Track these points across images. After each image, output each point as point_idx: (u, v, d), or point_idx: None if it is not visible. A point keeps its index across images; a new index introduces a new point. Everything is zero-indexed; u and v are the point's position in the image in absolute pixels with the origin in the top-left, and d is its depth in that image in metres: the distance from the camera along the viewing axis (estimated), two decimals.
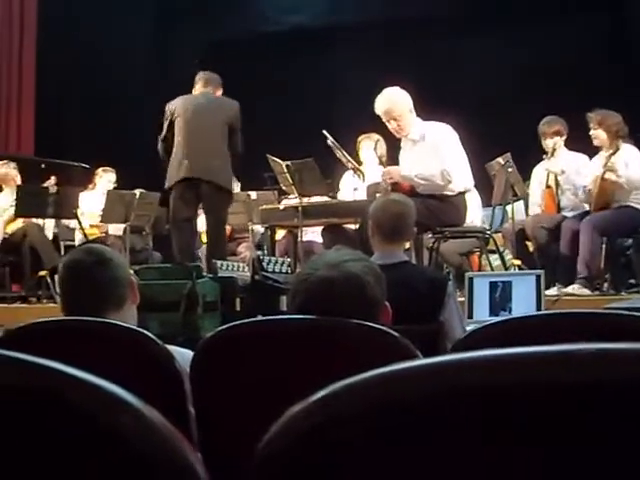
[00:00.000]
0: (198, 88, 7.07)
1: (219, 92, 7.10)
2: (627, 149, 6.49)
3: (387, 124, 6.23)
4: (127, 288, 2.49)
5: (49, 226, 8.11)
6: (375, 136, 7.43)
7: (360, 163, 7.24)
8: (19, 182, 8.11)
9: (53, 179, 8.35)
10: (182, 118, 6.84)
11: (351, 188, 7.26)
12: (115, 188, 8.68)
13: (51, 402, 0.68)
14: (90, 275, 2.44)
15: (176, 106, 6.92)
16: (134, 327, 2.10)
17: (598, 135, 6.53)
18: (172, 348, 2.07)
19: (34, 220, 7.90)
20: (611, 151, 6.41)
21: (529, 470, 0.63)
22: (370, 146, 7.48)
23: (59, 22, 10.80)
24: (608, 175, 6.39)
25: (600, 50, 10.68)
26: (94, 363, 0.98)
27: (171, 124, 6.91)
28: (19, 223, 7.91)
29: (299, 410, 0.65)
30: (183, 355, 2.07)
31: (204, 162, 6.74)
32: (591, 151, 6.77)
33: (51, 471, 0.70)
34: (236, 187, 9.12)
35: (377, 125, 6.49)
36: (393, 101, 6.16)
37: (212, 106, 6.93)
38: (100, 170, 8.83)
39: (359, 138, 7.60)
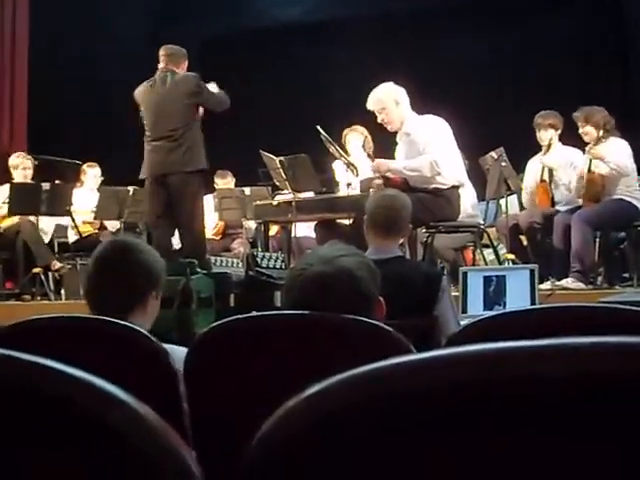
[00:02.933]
0: (160, 67, 6.92)
1: (182, 66, 6.94)
2: (615, 141, 6.55)
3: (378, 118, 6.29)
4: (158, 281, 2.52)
5: (45, 226, 8.08)
6: (361, 129, 7.43)
7: (348, 156, 7.24)
8: (29, 178, 8.11)
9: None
10: (144, 111, 6.81)
11: (341, 181, 7.28)
12: (102, 182, 8.68)
13: (44, 400, 0.67)
14: (122, 268, 2.46)
15: (138, 97, 6.87)
16: (128, 324, 2.09)
17: (587, 132, 6.60)
18: (165, 346, 2.06)
19: (30, 217, 7.87)
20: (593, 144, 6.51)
21: (524, 464, 0.63)
22: (357, 139, 7.47)
23: (54, 21, 10.76)
24: (595, 166, 6.45)
25: (596, 45, 10.68)
26: (88, 360, 0.98)
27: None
28: (15, 219, 7.90)
29: (292, 406, 0.65)
30: (177, 352, 2.07)
31: (163, 156, 6.64)
32: (584, 148, 6.80)
33: (43, 467, 0.70)
34: (230, 182, 9.12)
35: (370, 120, 6.50)
36: (378, 95, 6.26)
37: (168, 88, 6.76)
38: (85, 166, 8.80)
39: (344, 132, 7.60)
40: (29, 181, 8.10)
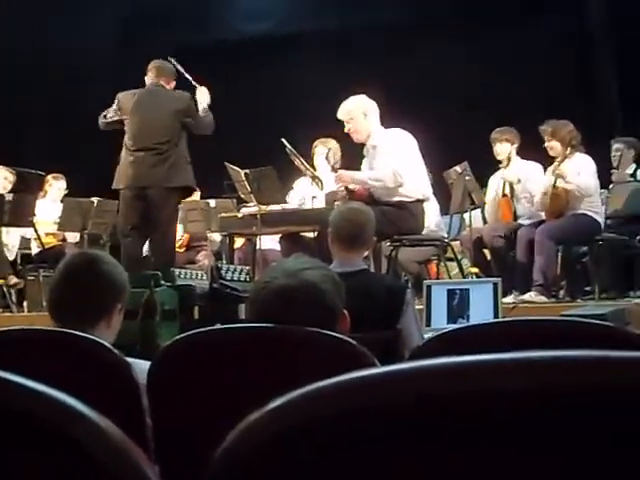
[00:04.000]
0: (150, 77, 6.89)
1: (171, 84, 6.92)
2: (580, 158, 6.60)
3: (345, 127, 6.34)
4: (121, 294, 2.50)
5: (11, 240, 8.00)
6: (330, 142, 7.42)
7: (314, 169, 7.23)
8: (7, 191, 8.01)
9: None
10: (129, 119, 6.73)
11: (306, 195, 7.27)
12: (66, 195, 8.60)
13: (5, 413, 0.67)
14: (88, 280, 2.43)
15: (125, 104, 6.78)
16: (90, 336, 2.08)
17: (553, 146, 6.65)
18: (128, 359, 2.05)
19: None
20: (559, 160, 6.55)
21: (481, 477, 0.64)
22: (323, 153, 7.47)
23: (19, 31, 10.67)
24: (559, 183, 6.50)
25: (559, 57, 10.78)
26: (50, 373, 0.97)
27: (119, 118, 6.81)
28: None
29: (254, 420, 0.65)
30: (140, 366, 2.06)
31: (146, 168, 6.59)
32: (548, 161, 6.84)
33: (10, 468, 0.69)
34: (195, 194, 9.09)
35: (340, 131, 6.52)
36: (348, 105, 6.32)
37: (160, 102, 6.75)
38: (50, 177, 8.69)
39: (314, 143, 7.60)
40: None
